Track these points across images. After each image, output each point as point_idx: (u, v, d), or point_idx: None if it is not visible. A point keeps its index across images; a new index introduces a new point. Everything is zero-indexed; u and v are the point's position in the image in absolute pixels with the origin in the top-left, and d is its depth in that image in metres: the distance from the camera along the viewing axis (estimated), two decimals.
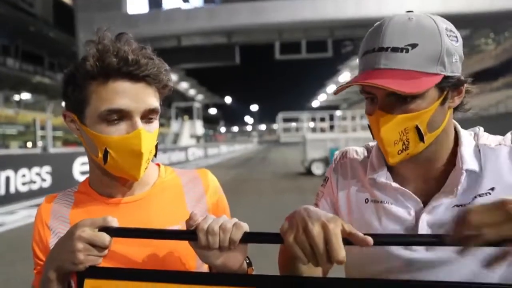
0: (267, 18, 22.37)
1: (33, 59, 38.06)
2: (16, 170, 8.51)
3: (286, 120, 19.27)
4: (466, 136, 0.82)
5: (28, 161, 9.05)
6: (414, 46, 0.70)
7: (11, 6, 29.47)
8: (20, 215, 7.21)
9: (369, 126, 0.81)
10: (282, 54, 24.94)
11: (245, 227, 0.70)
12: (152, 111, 0.81)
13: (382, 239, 0.66)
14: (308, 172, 13.60)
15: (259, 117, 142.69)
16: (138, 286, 0.71)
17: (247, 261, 0.79)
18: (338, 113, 17.93)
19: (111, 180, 0.86)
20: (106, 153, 0.79)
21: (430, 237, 0.70)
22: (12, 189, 8.37)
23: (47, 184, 9.53)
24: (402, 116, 0.73)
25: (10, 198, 8.27)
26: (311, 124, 18.53)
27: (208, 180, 0.97)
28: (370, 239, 0.61)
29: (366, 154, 0.94)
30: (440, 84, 0.72)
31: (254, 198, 8.36)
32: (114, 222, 0.72)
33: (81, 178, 10.87)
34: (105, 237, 0.70)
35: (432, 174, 0.82)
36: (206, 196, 0.94)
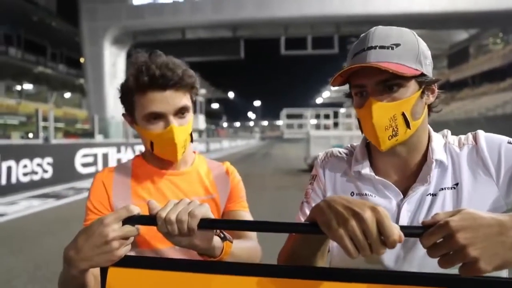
0: (273, 12, 22.19)
1: (36, 48, 37.79)
2: (17, 161, 8.49)
3: (289, 116, 19.18)
4: (437, 135, 0.94)
5: (30, 152, 9.02)
6: (397, 45, 0.83)
7: None
8: (21, 206, 7.18)
9: (358, 121, 0.90)
10: (287, 50, 24.75)
11: (202, 213, 0.72)
12: (182, 108, 1.04)
13: None
14: (311, 169, 13.40)
15: (261, 113, 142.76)
16: (159, 275, 0.74)
17: (222, 236, 0.85)
18: (342, 110, 17.79)
19: (161, 159, 1.12)
20: (151, 144, 1.07)
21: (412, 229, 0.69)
22: (13, 180, 8.35)
23: (48, 175, 9.51)
24: (391, 103, 0.83)
25: (11, 189, 8.25)
26: (315, 121, 18.43)
27: (229, 167, 1.24)
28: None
29: (349, 153, 1.04)
30: (419, 79, 0.84)
31: (257, 193, 8.29)
32: (136, 210, 0.75)
33: (83, 170, 10.83)
34: (134, 230, 0.75)
35: (409, 167, 0.91)
36: (228, 178, 1.20)
